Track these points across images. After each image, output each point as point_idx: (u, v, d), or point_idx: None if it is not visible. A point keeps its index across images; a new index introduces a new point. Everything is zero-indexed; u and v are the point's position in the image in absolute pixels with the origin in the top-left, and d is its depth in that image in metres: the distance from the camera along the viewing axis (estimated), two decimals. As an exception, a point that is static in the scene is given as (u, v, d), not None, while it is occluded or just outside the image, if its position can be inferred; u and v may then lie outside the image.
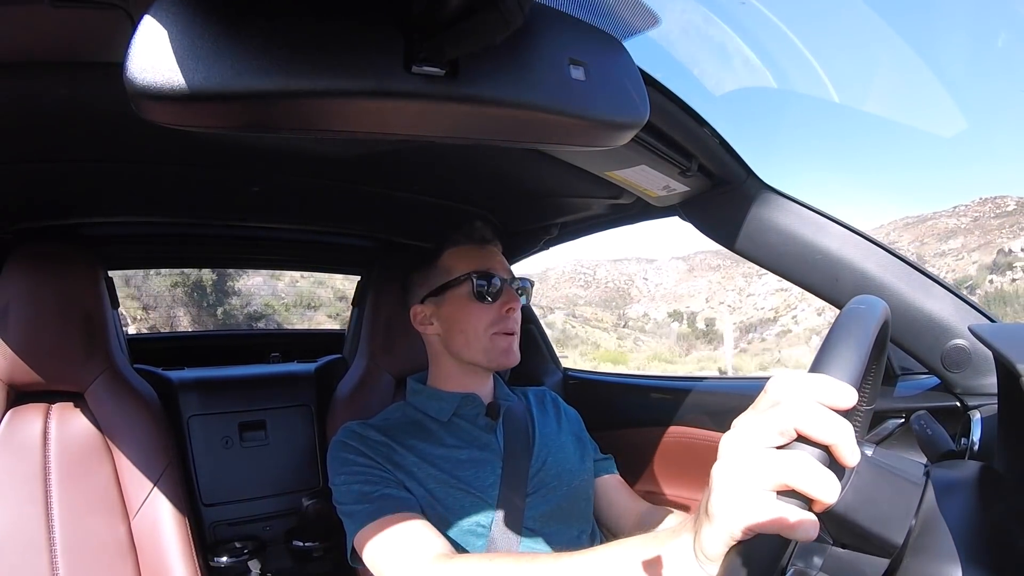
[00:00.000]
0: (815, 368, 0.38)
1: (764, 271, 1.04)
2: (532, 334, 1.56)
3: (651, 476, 1.33)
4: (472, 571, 0.67)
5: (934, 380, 0.95)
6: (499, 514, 0.85)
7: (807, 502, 0.34)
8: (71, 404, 1.00)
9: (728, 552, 0.38)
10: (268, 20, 0.40)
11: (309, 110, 0.43)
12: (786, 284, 1.01)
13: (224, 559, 1.13)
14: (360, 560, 0.79)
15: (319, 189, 1.10)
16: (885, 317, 0.46)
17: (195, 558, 1.00)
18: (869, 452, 0.47)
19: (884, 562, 0.44)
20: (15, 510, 0.90)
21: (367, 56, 0.43)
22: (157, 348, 1.64)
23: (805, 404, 0.35)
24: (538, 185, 1.12)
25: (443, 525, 0.81)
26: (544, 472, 0.93)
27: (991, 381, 0.84)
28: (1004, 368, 0.53)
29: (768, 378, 0.40)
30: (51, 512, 0.92)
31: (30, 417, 0.96)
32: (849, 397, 0.35)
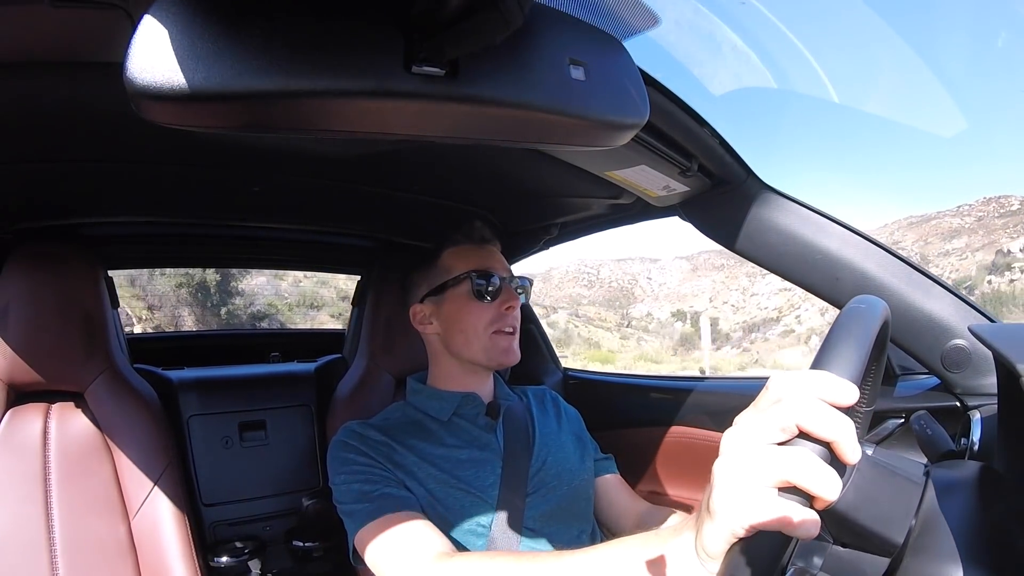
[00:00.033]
0: (816, 367, 0.38)
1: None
2: (532, 334, 1.56)
3: (651, 476, 1.33)
4: (473, 570, 0.67)
5: (934, 380, 0.95)
6: (499, 514, 0.85)
7: (808, 499, 0.34)
8: (71, 404, 1.00)
9: (729, 550, 0.38)
10: (268, 20, 0.40)
11: (309, 110, 0.43)
12: (789, 284, 1.01)
13: (224, 559, 1.13)
14: (362, 560, 0.79)
15: (319, 189, 1.10)
16: (885, 317, 0.46)
17: (195, 558, 1.00)
18: (869, 452, 0.47)
19: (884, 561, 0.44)
20: (15, 510, 0.90)
21: (367, 56, 0.43)
22: (157, 348, 1.64)
23: (807, 401, 0.35)
24: (538, 185, 1.12)
25: (443, 525, 0.80)
26: (544, 472, 0.93)
27: (991, 381, 0.84)
28: (1004, 368, 0.53)
29: (768, 377, 0.40)
30: (51, 512, 0.92)
31: (30, 417, 0.96)
32: (850, 394, 0.35)
